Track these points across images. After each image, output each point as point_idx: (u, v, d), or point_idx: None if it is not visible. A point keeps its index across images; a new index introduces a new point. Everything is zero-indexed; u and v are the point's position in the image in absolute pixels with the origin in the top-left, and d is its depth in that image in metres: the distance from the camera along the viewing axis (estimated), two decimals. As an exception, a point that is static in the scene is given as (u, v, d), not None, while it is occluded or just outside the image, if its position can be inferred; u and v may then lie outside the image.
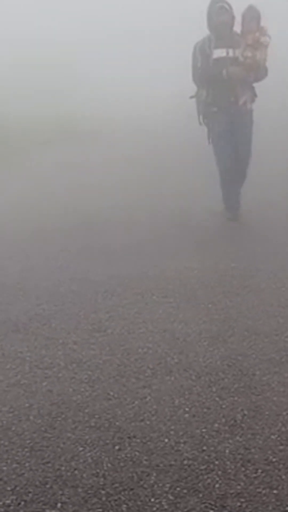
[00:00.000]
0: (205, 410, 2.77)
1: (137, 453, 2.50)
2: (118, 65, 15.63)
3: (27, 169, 8.59)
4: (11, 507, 2.26)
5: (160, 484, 2.32)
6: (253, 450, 2.49)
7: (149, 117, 12.27)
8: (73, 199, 6.69)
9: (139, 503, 2.25)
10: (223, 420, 2.69)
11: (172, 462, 2.44)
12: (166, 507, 2.22)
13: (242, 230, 5.44)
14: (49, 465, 2.46)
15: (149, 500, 2.26)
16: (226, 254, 4.80)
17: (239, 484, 2.31)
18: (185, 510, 2.20)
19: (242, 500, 2.23)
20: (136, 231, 5.44)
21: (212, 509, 2.20)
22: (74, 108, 12.43)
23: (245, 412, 2.74)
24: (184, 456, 2.47)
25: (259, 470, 2.38)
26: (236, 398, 2.85)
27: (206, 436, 2.59)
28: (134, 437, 2.60)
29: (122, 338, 3.47)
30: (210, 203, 5.88)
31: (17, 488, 2.35)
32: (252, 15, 5.16)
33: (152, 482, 2.34)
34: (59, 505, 2.26)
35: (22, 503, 2.28)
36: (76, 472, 2.42)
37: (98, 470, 2.42)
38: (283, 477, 2.34)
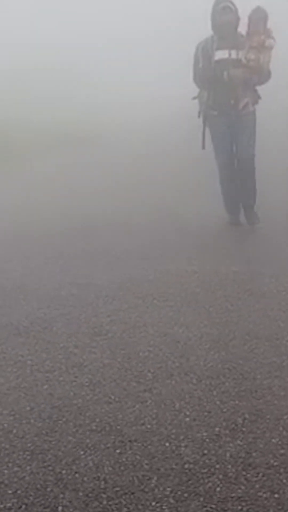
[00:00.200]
0: (206, 414, 2.77)
1: (138, 457, 2.50)
2: (118, 69, 15.67)
3: (28, 173, 8.61)
4: (12, 511, 2.26)
5: (161, 488, 2.32)
6: (254, 454, 2.49)
7: (149, 120, 12.30)
8: (73, 203, 6.70)
9: (140, 507, 2.24)
10: (224, 424, 2.69)
11: (173, 466, 2.43)
12: (167, 511, 2.22)
13: (243, 234, 5.45)
14: (50, 468, 2.46)
15: (150, 504, 2.25)
16: (227, 257, 4.81)
17: (240, 488, 2.31)
18: (186, 514, 2.20)
19: (243, 504, 2.23)
20: (137, 234, 5.45)
21: (213, 513, 2.20)
22: (74, 113, 12.46)
23: (246, 416, 2.74)
24: (185, 460, 2.47)
25: (260, 474, 2.37)
26: (237, 402, 2.85)
27: (207, 440, 2.58)
28: (135, 440, 2.60)
29: (123, 341, 3.47)
30: (210, 207, 5.89)
31: (18, 492, 2.34)
32: (259, 16, 5.02)
33: (153, 486, 2.34)
34: (60, 508, 2.25)
35: (23, 506, 2.28)
36: (77, 475, 2.41)
37: (99, 474, 2.41)
38: (284, 481, 2.34)
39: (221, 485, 2.33)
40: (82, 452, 2.54)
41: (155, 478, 2.38)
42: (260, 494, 2.28)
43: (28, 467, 2.47)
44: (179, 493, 2.29)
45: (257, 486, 2.31)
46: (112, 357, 3.30)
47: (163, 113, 13.03)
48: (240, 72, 5.12)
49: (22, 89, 13.56)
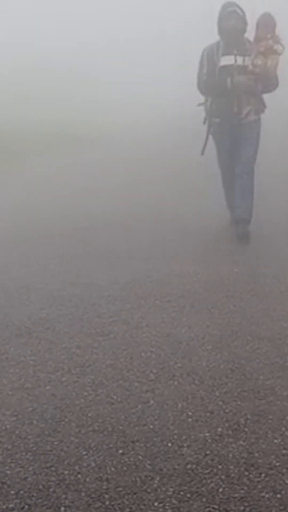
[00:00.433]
0: (208, 414, 2.77)
1: (140, 457, 2.50)
2: (118, 70, 15.69)
3: (29, 173, 8.62)
4: (15, 511, 2.26)
5: (164, 488, 2.32)
6: (256, 455, 2.49)
7: (150, 120, 12.31)
8: (74, 203, 6.71)
9: (142, 507, 2.24)
10: (227, 424, 2.69)
11: (176, 466, 2.44)
12: (169, 511, 2.22)
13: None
14: (53, 469, 2.46)
15: (153, 504, 2.25)
16: (229, 258, 4.81)
17: (242, 489, 2.31)
18: (189, 514, 2.20)
19: (246, 504, 2.23)
20: (139, 235, 5.45)
21: (216, 513, 2.20)
22: (74, 113, 12.48)
23: (249, 416, 2.74)
24: (187, 460, 2.47)
25: (263, 475, 2.37)
26: (239, 403, 2.85)
27: (210, 440, 2.58)
28: (138, 441, 2.60)
29: (125, 342, 3.47)
30: (212, 207, 5.90)
31: (21, 492, 2.35)
32: (267, 22, 4.85)
33: (155, 486, 2.34)
34: (62, 509, 2.25)
35: (26, 507, 2.28)
36: (79, 476, 2.41)
37: (101, 474, 2.41)
38: (287, 481, 2.34)
39: (223, 485, 2.33)
40: (84, 453, 2.54)
41: (158, 478, 2.38)
42: (262, 494, 2.27)
43: (30, 468, 2.47)
44: (182, 493, 2.29)
45: (259, 486, 2.31)
46: (115, 357, 3.31)
47: (164, 113, 13.04)
48: (244, 79, 4.94)
49: (22, 89, 13.58)
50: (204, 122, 5.24)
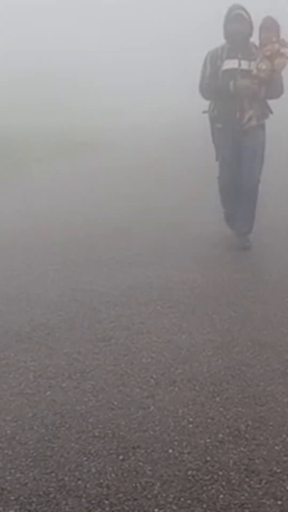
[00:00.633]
0: (209, 420, 2.76)
1: (141, 463, 2.49)
2: (119, 75, 15.72)
3: (30, 179, 8.63)
4: (15, 517, 2.26)
5: (164, 495, 2.32)
6: (257, 461, 2.48)
7: (151, 127, 12.33)
8: (75, 210, 6.71)
9: (143, 513, 2.24)
10: (227, 430, 2.68)
11: (176, 473, 2.43)
12: (170, 517, 2.22)
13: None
14: (53, 475, 2.46)
15: (153, 510, 2.25)
16: (230, 264, 4.81)
17: (243, 495, 2.30)
18: (189, 520, 2.20)
19: (246, 511, 2.23)
20: (139, 242, 5.45)
21: (216, 519, 2.19)
22: (74, 119, 12.50)
23: (249, 422, 2.73)
24: (188, 467, 2.46)
25: (263, 481, 2.37)
26: (240, 409, 2.84)
27: (210, 447, 2.58)
28: (138, 447, 2.59)
29: (126, 348, 3.47)
30: (213, 214, 5.90)
31: (21, 498, 2.34)
32: (270, 26, 4.73)
33: (156, 492, 2.33)
34: (62, 515, 2.25)
35: (26, 513, 2.27)
36: (79, 482, 2.41)
37: (101, 480, 2.41)
38: (287, 488, 2.33)
39: (224, 492, 2.32)
40: (85, 459, 2.54)
41: (158, 484, 2.37)
42: (263, 501, 2.27)
43: (31, 474, 2.47)
44: (182, 499, 2.29)
45: (260, 493, 2.31)
46: (115, 363, 3.30)
47: (165, 119, 13.07)
48: (247, 83, 4.80)
49: (21, 96, 13.61)
50: (212, 132, 5.10)
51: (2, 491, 2.38)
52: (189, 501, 2.28)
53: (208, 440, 2.62)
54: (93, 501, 2.30)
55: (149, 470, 2.45)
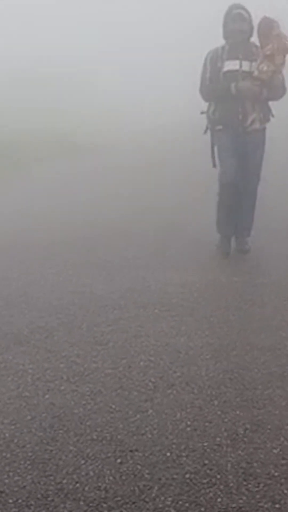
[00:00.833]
0: (207, 423, 2.77)
1: (139, 467, 2.50)
2: (117, 76, 15.71)
3: (30, 181, 8.63)
4: (13, 520, 2.26)
5: (162, 498, 2.32)
6: (255, 464, 2.49)
7: (150, 129, 12.33)
8: (75, 210, 6.71)
9: (140, 516, 2.24)
10: (225, 434, 2.69)
11: (174, 476, 2.43)
12: (168, 521, 2.22)
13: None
14: (51, 477, 2.46)
15: (151, 513, 2.25)
16: (228, 267, 4.82)
17: (241, 498, 2.30)
18: (187, 524, 2.20)
19: (244, 514, 2.23)
20: (138, 244, 5.46)
21: (214, 523, 2.20)
22: (75, 120, 12.50)
23: (247, 426, 2.74)
24: (186, 470, 2.46)
25: (261, 484, 2.37)
26: (238, 412, 2.85)
27: (208, 450, 2.58)
28: (136, 450, 2.60)
29: (124, 351, 3.48)
30: (211, 216, 5.90)
31: (19, 501, 2.34)
32: (267, 25, 4.64)
33: (154, 495, 2.34)
34: (60, 518, 2.25)
35: (24, 516, 2.27)
36: (77, 485, 2.41)
37: (100, 484, 2.41)
38: (285, 491, 2.34)
39: (222, 495, 2.32)
40: (83, 462, 2.54)
41: (156, 488, 2.37)
42: (261, 504, 2.27)
43: (29, 477, 2.47)
44: (180, 503, 2.29)
45: (258, 496, 2.31)
46: (113, 366, 3.31)
47: (165, 122, 13.08)
48: (249, 85, 4.71)
49: (21, 99, 13.60)
50: (205, 132, 5.03)
51: (0, 494, 2.38)
52: (187, 504, 2.28)
53: (206, 443, 2.62)
54: (91, 504, 2.31)
55: (147, 473, 2.45)
